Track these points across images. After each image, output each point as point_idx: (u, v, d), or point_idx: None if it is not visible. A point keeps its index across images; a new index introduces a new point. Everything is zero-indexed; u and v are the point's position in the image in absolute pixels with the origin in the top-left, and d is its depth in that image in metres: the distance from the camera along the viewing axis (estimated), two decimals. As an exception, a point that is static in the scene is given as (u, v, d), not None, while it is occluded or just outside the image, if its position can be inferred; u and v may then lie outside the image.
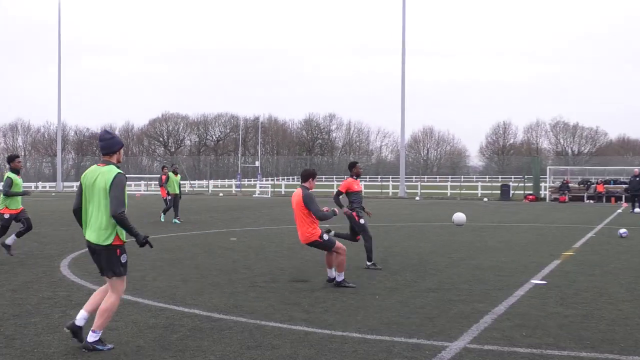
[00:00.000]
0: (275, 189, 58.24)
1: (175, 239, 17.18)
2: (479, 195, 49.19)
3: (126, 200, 6.38)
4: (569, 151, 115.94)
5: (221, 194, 55.26)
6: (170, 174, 23.63)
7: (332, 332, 7.12)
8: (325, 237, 9.64)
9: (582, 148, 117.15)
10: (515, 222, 24.12)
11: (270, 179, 79.15)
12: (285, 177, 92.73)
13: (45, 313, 8.01)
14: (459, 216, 13.79)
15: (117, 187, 6.26)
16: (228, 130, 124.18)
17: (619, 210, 31.00)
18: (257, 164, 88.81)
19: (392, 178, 60.54)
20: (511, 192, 45.17)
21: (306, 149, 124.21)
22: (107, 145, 6.60)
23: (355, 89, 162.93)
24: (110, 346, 6.38)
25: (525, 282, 10.38)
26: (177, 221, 22.23)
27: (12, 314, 7.94)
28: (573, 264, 12.58)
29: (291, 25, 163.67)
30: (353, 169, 12.19)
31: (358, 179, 12.21)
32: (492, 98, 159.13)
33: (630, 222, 22.79)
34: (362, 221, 11.77)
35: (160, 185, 24.45)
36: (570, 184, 43.64)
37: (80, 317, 6.44)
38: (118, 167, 6.47)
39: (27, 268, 11.72)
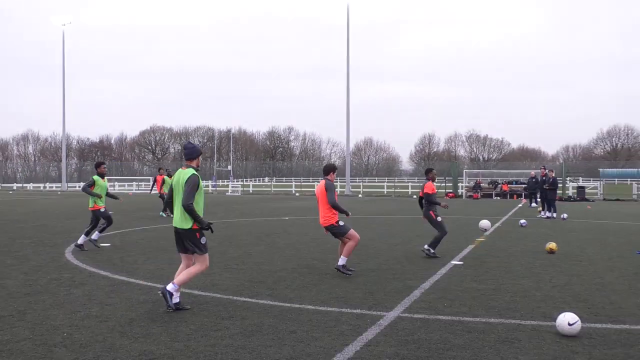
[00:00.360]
0: (244, 188, 58.05)
1: (163, 229, 16.95)
2: (410, 192, 49.63)
3: (199, 197, 6.84)
4: (480, 158, 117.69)
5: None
6: (166, 177, 23.77)
7: (291, 305, 7.11)
8: (341, 223, 9.21)
9: (491, 155, 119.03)
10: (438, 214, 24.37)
11: (240, 180, 78.62)
12: (253, 179, 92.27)
13: (53, 291, 7.84)
14: (485, 223, 12.98)
15: (189, 184, 6.72)
16: (205, 140, 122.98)
17: (520, 205, 31.56)
18: (230, 167, 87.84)
19: (339, 179, 60.78)
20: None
21: (269, 156, 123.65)
22: (189, 152, 7.05)
23: (310, 105, 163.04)
24: (175, 302, 6.77)
25: (447, 263, 10.51)
26: (163, 214, 22.00)
27: (24, 293, 7.76)
28: (484, 248, 12.77)
29: (259, 52, 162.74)
30: (429, 174, 11.79)
31: (433, 183, 11.72)
32: (419, 114, 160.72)
33: (529, 214, 23.24)
34: (439, 219, 11.50)
35: (153, 183, 24.67)
36: (481, 184, 44.25)
37: (170, 286, 6.83)
38: (196, 170, 6.91)
39: (37, 254, 11.46)
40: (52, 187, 75.57)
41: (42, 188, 74.71)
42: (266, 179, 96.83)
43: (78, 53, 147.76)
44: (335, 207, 9.12)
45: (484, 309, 7.00)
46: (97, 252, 11.75)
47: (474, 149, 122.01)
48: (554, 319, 6.11)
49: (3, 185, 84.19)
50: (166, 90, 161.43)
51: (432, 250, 11.30)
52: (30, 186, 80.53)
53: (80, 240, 12.22)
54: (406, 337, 5.77)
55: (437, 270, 9.75)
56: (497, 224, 19.07)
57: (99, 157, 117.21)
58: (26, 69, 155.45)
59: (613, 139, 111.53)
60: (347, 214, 9.29)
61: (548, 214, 22.40)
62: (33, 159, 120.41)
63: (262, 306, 7.05)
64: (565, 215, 21.92)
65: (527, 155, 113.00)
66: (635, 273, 9.64)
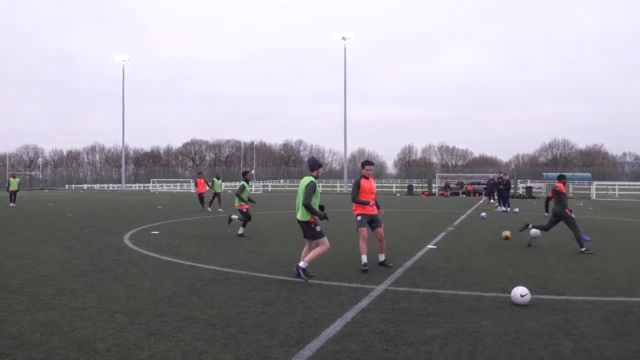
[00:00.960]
0: (264, 188, 58.07)
1: (203, 220, 16.94)
2: (394, 191, 49.51)
3: (315, 198, 7.08)
4: (450, 164, 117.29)
5: (229, 191, 54.69)
6: (214, 179, 23.30)
7: (301, 280, 7.07)
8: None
9: (458, 162, 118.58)
10: (416, 208, 24.32)
11: (261, 181, 78.66)
12: (270, 180, 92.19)
13: (113, 270, 7.82)
14: (534, 232, 10.71)
15: (308, 188, 6.99)
16: (234, 150, 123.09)
17: (481, 201, 31.46)
18: (253, 171, 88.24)
19: (339, 181, 60.86)
20: (414, 189, 45.55)
21: (284, 162, 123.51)
22: (311, 165, 7.34)
23: (316, 123, 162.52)
24: (305, 278, 6.87)
25: (424, 247, 10.45)
26: (221, 209, 21.69)
27: (91, 270, 7.74)
28: (453, 235, 12.71)
29: (271, 78, 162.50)
30: (562, 180, 10.81)
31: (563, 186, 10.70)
32: (401, 129, 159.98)
33: (488, 209, 23.17)
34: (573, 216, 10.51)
35: (195, 185, 24.19)
36: (450, 185, 44.19)
37: (302, 263, 6.95)
38: (314, 178, 7.14)
39: (101, 240, 11.45)
40: (113, 187, 75.69)
41: (106, 188, 74.83)
42: (282, 180, 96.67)
43: (135, 81, 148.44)
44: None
45: (453, 283, 6.95)
46: (149, 238, 11.73)
47: (445, 157, 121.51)
48: (509, 292, 6.06)
49: (76, 185, 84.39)
50: (203, 110, 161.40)
51: (583, 249, 9.82)
52: (96, 187, 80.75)
53: (240, 232, 12.30)
54: (392, 305, 5.73)
55: (416, 253, 9.70)
56: (463, 216, 18.99)
57: (151, 163, 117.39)
58: (95, 95, 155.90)
59: (553, 150, 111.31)
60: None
61: (503, 208, 22.35)
62: (99, 165, 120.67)
63: (279, 281, 7.01)
64: (517, 209, 21.88)
65: (486, 162, 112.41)
66: (572, 255, 9.58)
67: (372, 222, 8.04)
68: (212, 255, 9.34)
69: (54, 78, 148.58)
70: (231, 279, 7.12)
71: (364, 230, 7.95)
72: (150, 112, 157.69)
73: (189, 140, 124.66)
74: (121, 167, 75.73)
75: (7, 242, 11.02)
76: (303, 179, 7.19)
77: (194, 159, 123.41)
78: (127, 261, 8.62)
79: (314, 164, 7.30)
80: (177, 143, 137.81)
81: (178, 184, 69.79)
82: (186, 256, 9.18)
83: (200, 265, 8.25)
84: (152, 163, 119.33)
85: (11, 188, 25.76)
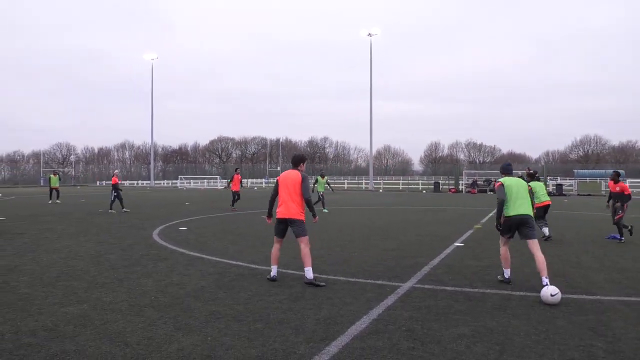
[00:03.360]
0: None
1: (229, 216, 17.11)
2: (420, 188, 49.12)
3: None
4: (477, 161, 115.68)
5: (255, 188, 55.14)
6: (319, 177, 21.08)
7: (327, 276, 7.07)
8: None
9: (485, 159, 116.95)
10: (443, 205, 24.06)
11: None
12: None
13: (143, 264, 7.96)
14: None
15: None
16: (260, 147, 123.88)
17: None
18: (279, 169, 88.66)
19: (364, 178, 60.58)
20: (440, 186, 45.07)
21: (309, 159, 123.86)
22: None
23: (341, 119, 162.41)
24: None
25: (451, 245, 10.33)
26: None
27: (122, 265, 7.90)
28: (481, 233, 12.53)
29: (299, 75, 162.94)
30: (617, 177, 10.98)
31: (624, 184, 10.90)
32: (428, 126, 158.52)
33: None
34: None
35: (230, 181, 21.86)
36: (478, 182, 43.59)
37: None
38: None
39: (131, 235, 11.67)
40: (142, 183, 77.10)
41: (135, 184, 76.28)
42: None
43: (163, 79, 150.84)
44: (309, 203, 6.67)
45: (481, 281, 6.85)
46: (177, 234, 11.91)
47: (472, 154, 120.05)
48: (539, 291, 5.94)
49: (106, 182, 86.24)
50: (229, 107, 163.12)
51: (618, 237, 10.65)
52: (126, 183, 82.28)
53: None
54: (419, 303, 5.68)
55: (443, 250, 9.60)
56: (490, 214, 18.70)
57: (179, 160, 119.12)
58: (125, 94, 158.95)
59: (585, 146, 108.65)
60: (315, 217, 7.06)
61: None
62: (129, 162, 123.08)
63: (302, 277, 7.01)
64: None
65: (514, 159, 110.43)
66: (604, 254, 9.33)
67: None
68: (239, 251, 9.42)
69: (85, 77, 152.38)
70: (257, 275, 7.16)
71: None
72: (178, 110, 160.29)
73: (216, 138, 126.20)
74: (150, 164, 77.09)
75: (43, 237, 11.34)
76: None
77: (221, 155, 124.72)
78: (156, 256, 8.76)
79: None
80: (204, 140, 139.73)
81: (205, 180, 70.66)
82: (213, 252, 9.27)
83: (227, 261, 8.32)
84: (179, 160, 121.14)
85: (52, 185, 26.40)
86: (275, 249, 6.92)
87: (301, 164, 6.83)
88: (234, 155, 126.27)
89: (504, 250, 6.84)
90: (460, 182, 45.70)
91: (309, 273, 6.53)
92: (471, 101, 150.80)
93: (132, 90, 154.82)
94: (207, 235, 11.70)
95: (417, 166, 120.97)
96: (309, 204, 6.69)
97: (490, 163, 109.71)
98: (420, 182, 57.28)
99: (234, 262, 8.14)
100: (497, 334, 4.65)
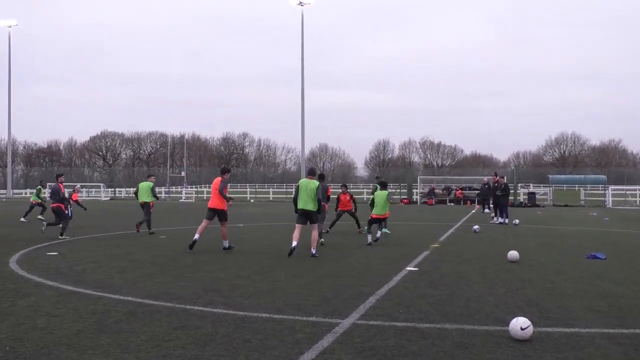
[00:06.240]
0: (198, 195, 57.17)
1: (114, 237, 16.58)
2: (365, 198, 49.86)
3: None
4: (435, 164, 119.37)
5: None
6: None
7: (245, 313, 7.03)
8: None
9: (445, 162, 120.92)
10: (393, 220, 24.57)
11: (194, 186, 77.80)
12: (207, 185, 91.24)
13: (-4, 303, 7.53)
14: (513, 254, 11.73)
15: (319, 189, 12.44)
16: (158, 146, 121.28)
17: (473, 211, 32.13)
18: (183, 174, 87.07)
19: (294, 185, 60.99)
20: (390, 196, 45.98)
21: (224, 162, 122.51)
22: (310, 172, 12.91)
23: (264, 112, 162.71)
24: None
25: (402, 269, 10.56)
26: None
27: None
28: (439, 254, 12.91)
29: (209, 55, 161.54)
30: None
31: None
32: (373, 121, 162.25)
33: (481, 220, 23.62)
34: None
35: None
36: (436, 190, 44.80)
37: (294, 245, 12.02)
38: (322, 179, 13.63)
39: (-21, 264, 11.03)
40: (-4, 193, 73.17)
41: (-14, 195, 72.13)
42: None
43: (25, 56, 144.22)
44: (223, 195, 13.23)
45: (439, 314, 7.05)
46: (44, 261, 11.39)
47: (428, 156, 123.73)
48: (508, 324, 6.20)
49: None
50: (116, 94, 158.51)
51: None
52: (-28, 193, 77.75)
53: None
54: (362, 344, 5.76)
55: (392, 276, 9.79)
56: (450, 230, 19.33)
57: (47, 163, 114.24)
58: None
59: (561, 146, 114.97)
60: (229, 201, 13.49)
61: (500, 219, 22.80)
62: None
63: (216, 315, 6.94)
64: (517, 221, 22.37)
65: (479, 162, 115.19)
66: (581, 276, 9.92)
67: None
68: (129, 282, 9.16)
69: None
70: (154, 313, 6.99)
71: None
72: (47, 97, 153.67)
73: (99, 133, 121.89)
74: (6, 166, 73.43)
75: None
76: (305, 181, 12.40)
77: (105, 156, 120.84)
78: (13, 292, 8.34)
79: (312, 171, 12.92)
80: (83, 136, 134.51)
81: (84, 189, 68.20)
82: (94, 284, 8.95)
83: (112, 295, 8.07)
84: (48, 162, 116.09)
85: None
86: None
87: (226, 174, 13.34)
88: (123, 155, 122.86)
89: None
90: (415, 190, 46.82)
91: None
92: (428, 92, 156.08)
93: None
94: (85, 263, 11.28)
95: (361, 171, 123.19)
96: (224, 196, 13.01)
97: (451, 167, 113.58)
98: (365, 190, 58.14)
99: (122, 298, 7.91)
100: (457, 380, 4.79)
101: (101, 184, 69.65)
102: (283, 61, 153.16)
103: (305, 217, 12.25)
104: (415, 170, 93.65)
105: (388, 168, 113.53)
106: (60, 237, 15.75)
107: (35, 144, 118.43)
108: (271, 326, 6.41)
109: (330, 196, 17.13)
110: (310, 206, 12.11)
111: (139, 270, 10.40)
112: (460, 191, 43.91)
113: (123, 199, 51.30)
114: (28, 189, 78.82)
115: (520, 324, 5.97)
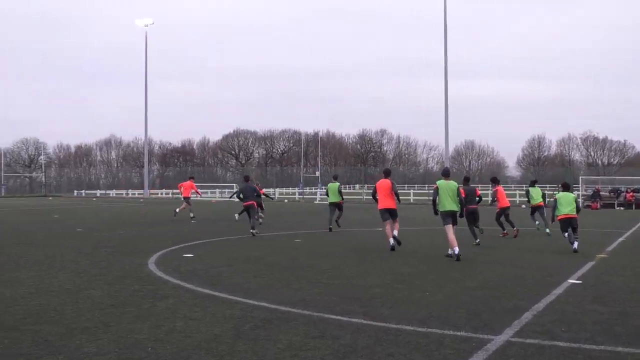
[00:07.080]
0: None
1: (248, 239, 17.28)
2: (517, 201, 48.12)
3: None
4: (599, 162, 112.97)
5: (286, 200, 55.50)
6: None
7: (387, 324, 7.03)
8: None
9: (612, 160, 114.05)
10: (551, 226, 23.50)
11: (324, 187, 79.11)
12: (343, 186, 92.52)
13: (136, 304, 8.11)
14: None
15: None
16: (291, 144, 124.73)
17: (647, 216, 29.98)
18: (318, 174, 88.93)
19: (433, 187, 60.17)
20: (547, 200, 44.15)
21: (360, 161, 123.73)
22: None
23: (404, 106, 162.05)
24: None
25: (562, 282, 10.09)
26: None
27: (108, 304, 8.07)
28: (606, 265, 12.20)
29: (345, 49, 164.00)
30: None
31: None
32: (526, 114, 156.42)
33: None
34: None
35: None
36: (601, 193, 42.51)
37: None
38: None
39: (120, 264, 11.93)
40: (134, 194, 78.92)
41: (124, 195, 78.24)
42: (357, 185, 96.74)
43: (160, 56, 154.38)
44: (397, 196, 15.40)
45: (608, 335, 6.64)
46: (181, 263, 12.11)
47: (591, 153, 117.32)
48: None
49: (87, 191, 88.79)
50: (249, 92, 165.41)
51: None
52: (112, 193, 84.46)
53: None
54: (518, 364, 5.56)
55: (552, 289, 9.38)
56: (620, 238, 18.19)
57: (181, 162, 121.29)
58: (109, 74, 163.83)
59: None
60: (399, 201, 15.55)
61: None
62: (116, 165, 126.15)
63: (355, 325, 7.00)
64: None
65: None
66: None
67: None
68: (265, 287, 9.50)
69: (58, 50, 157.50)
70: (290, 321, 7.18)
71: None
72: (180, 95, 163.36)
73: (232, 132, 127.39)
74: (143, 167, 78.90)
75: (4, 265, 11.76)
76: (443, 182, 13.21)
77: (238, 155, 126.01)
78: (152, 293, 8.93)
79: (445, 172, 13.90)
80: (215, 135, 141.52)
81: (217, 189, 71.66)
82: (230, 288, 9.37)
83: (248, 300, 8.39)
84: (182, 162, 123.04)
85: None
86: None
87: (390, 175, 15.24)
88: (256, 155, 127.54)
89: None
90: (576, 192, 44.55)
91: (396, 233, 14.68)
92: (588, 78, 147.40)
93: (119, 69, 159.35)
94: (221, 265, 11.85)
95: (512, 170, 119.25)
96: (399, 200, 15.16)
97: (619, 165, 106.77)
98: (517, 192, 56.04)
99: (258, 303, 8.20)
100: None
101: (234, 184, 72.74)
102: (422, 51, 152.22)
103: (453, 217, 13.07)
104: (576, 169, 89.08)
105: (544, 167, 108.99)
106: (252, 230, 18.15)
107: (170, 143, 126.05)
108: (415, 339, 6.37)
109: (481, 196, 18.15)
110: (455, 207, 13.04)
111: (274, 274, 10.75)
112: (631, 193, 41.30)
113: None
114: (163, 190, 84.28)
115: None
